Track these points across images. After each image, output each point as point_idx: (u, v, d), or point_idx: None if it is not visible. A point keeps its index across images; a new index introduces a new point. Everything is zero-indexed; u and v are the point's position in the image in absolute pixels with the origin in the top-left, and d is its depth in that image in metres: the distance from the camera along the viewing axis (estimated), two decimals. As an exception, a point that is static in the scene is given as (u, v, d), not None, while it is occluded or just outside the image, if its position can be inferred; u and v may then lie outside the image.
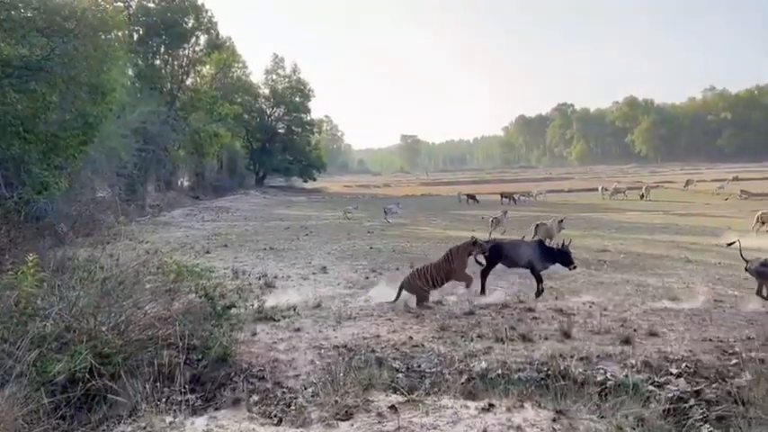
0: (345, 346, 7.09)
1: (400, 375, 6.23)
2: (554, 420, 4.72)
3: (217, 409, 5.50)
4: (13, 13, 14.85)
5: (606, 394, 5.54)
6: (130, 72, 35.70)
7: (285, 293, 10.26)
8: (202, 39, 43.05)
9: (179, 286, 7.11)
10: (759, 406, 5.18)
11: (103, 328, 5.68)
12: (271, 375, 6.27)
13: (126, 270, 7.40)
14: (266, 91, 65.42)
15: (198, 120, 41.94)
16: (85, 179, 21.15)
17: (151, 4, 40.69)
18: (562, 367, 6.08)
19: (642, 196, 37.44)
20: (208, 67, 44.75)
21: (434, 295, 9.51)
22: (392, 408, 4.98)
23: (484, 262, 10.07)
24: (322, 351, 6.93)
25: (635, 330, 7.48)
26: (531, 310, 8.78)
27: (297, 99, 64.89)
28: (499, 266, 10.39)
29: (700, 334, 7.36)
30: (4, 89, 13.66)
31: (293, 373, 6.35)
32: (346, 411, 4.95)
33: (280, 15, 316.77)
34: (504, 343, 7.00)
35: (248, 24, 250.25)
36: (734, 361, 6.26)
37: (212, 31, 43.51)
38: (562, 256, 10.08)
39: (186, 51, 41.95)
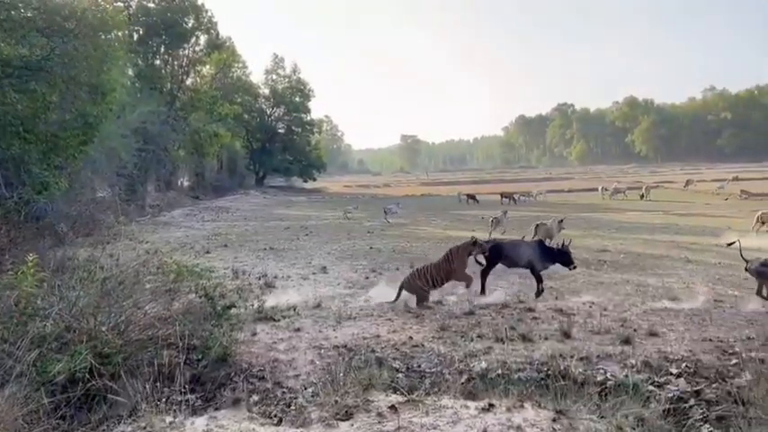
0: (345, 346, 7.09)
1: (400, 375, 6.23)
2: (554, 420, 4.72)
3: (217, 409, 5.50)
4: (13, 12, 14.85)
5: (606, 394, 5.54)
6: (130, 72, 35.71)
7: (285, 293, 10.26)
8: (202, 39, 43.11)
9: (179, 286, 7.11)
10: (759, 406, 5.18)
11: (103, 328, 5.68)
12: (271, 375, 6.27)
13: (126, 270, 7.40)
14: (266, 91, 65.49)
15: (198, 120, 41.94)
16: (85, 179, 21.15)
17: (151, 4, 40.71)
18: (562, 367, 6.08)
19: (642, 196, 37.44)
20: (208, 67, 44.77)
21: (434, 295, 9.51)
22: (392, 408, 4.98)
23: (484, 262, 10.08)
24: (322, 351, 6.93)
25: (635, 330, 7.47)
26: (531, 310, 8.78)
27: (297, 99, 64.90)
28: (499, 266, 10.39)
29: (700, 334, 7.36)
30: (3, 89, 13.66)
31: (293, 373, 6.35)
32: (346, 411, 4.95)
33: (280, 15, 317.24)
34: (504, 343, 7.00)
35: (248, 24, 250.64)
36: (734, 361, 6.26)
37: (212, 31, 43.53)
38: (562, 257, 10.08)
39: (186, 51, 41.96)
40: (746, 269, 9.34)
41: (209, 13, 42.71)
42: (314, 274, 12.87)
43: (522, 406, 4.96)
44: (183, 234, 22.08)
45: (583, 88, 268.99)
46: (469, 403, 5.09)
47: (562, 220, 17.12)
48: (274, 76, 65.74)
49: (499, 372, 6.16)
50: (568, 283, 11.12)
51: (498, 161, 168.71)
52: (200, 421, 4.97)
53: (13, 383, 4.81)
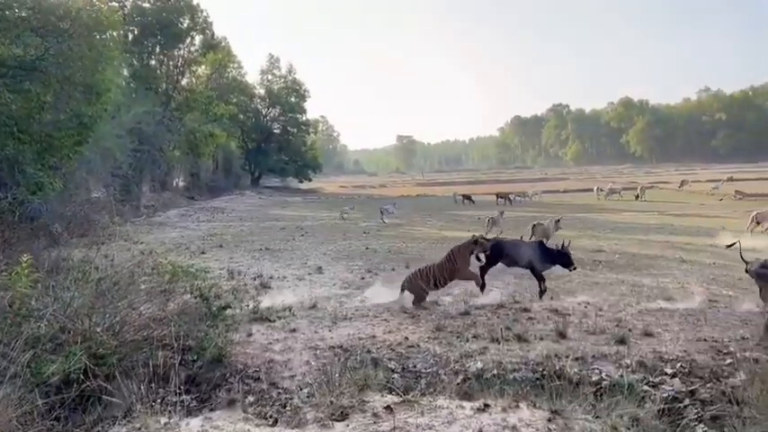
0: (341, 346, 7.08)
1: (396, 376, 6.24)
2: (549, 420, 4.73)
3: (212, 409, 5.49)
4: (7, 12, 14.78)
5: (601, 394, 5.56)
6: (125, 72, 35.62)
7: (281, 294, 10.25)
8: (198, 39, 42.97)
9: (174, 287, 7.08)
10: (753, 405, 5.21)
11: (98, 329, 5.66)
12: (266, 376, 6.26)
13: (121, 271, 7.37)
14: (262, 91, 65.32)
15: (193, 120, 41.84)
16: (80, 179, 21.06)
17: (146, 4, 40.58)
18: (557, 367, 6.09)
19: (637, 197, 37.56)
20: (203, 67, 44.64)
21: (430, 295, 9.51)
22: (388, 408, 4.98)
23: (484, 260, 10.09)
24: (318, 352, 6.92)
25: (630, 330, 7.49)
26: (526, 310, 8.78)
27: (292, 99, 64.79)
28: (496, 267, 10.39)
29: (694, 334, 7.39)
30: (-2, 89, 13.59)
31: (289, 374, 6.34)
32: (342, 412, 4.95)
33: (276, 15, 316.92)
34: (499, 343, 7.01)
35: (244, 24, 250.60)
36: (728, 361, 6.28)
37: (207, 32, 43.41)
38: (562, 258, 10.09)
39: (181, 51, 41.86)
40: (747, 270, 9.20)
41: (205, 14, 42.65)
42: (310, 274, 12.87)
43: (517, 406, 4.97)
44: (178, 234, 22.02)
45: (578, 89, 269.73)
46: (465, 403, 5.10)
47: (559, 221, 17.18)
48: (270, 77, 65.67)
49: (495, 372, 6.17)
50: (564, 283, 11.15)
51: (494, 161, 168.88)
52: (195, 422, 4.96)
53: (7, 385, 4.79)
